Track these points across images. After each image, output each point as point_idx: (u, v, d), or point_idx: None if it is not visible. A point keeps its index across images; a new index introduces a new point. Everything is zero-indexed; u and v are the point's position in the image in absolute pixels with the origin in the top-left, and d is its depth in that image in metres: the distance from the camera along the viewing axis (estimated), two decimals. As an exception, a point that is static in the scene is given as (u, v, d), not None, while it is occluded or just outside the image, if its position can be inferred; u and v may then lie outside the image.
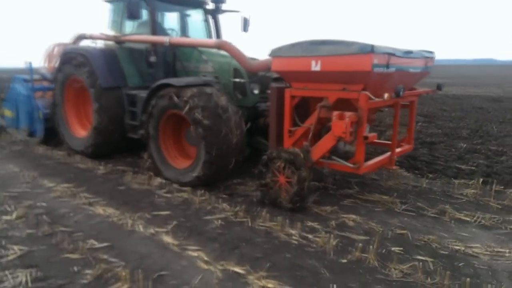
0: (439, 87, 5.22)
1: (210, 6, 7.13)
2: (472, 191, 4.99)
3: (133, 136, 6.22)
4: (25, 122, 7.78)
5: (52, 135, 7.48)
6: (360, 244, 3.46)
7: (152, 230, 3.92)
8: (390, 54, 3.96)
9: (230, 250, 3.53)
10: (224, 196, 4.89)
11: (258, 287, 2.92)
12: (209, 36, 7.29)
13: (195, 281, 3.01)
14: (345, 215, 4.23)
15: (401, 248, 3.48)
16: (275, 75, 5.52)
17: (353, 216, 4.20)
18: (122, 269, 3.09)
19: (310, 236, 3.74)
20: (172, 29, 6.96)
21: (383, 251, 3.44)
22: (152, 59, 6.11)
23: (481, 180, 5.28)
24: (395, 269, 3.14)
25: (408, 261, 3.26)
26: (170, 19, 7.17)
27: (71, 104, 7.09)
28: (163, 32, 6.69)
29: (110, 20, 6.86)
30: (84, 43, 7.53)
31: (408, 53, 4.30)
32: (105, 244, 3.60)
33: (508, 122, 10.41)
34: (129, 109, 6.25)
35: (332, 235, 3.68)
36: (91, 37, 7.27)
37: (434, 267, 3.16)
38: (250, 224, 4.06)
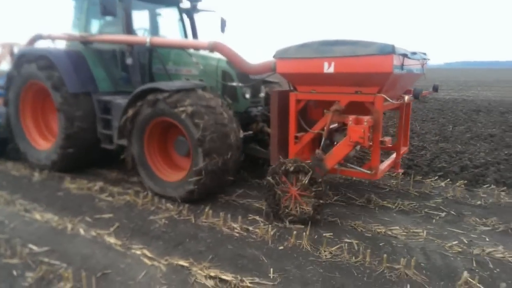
0: (435, 88, 5.28)
1: (186, 4, 6.68)
2: (395, 181, 5.59)
3: (107, 147, 5.67)
4: None
5: (2, 148, 6.81)
6: (295, 232, 3.79)
7: (94, 233, 3.93)
8: (404, 55, 3.83)
9: (174, 246, 3.67)
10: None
11: (201, 277, 3.11)
12: (185, 36, 6.89)
13: (139, 277, 3.12)
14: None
15: (331, 233, 3.87)
16: (267, 79, 5.42)
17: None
18: (64, 270, 3.10)
19: (251, 228, 4.00)
20: (145, 29, 6.44)
21: (315, 236, 3.80)
22: (129, 61, 5.58)
23: (402, 171, 5.91)
24: (325, 251, 3.50)
25: (337, 244, 3.64)
26: (138, 18, 6.51)
27: (28, 112, 6.34)
28: (133, 32, 6.10)
29: (74, 18, 6.29)
30: (40, 44, 6.78)
31: (413, 54, 4.22)
32: (46, 248, 3.56)
33: (429, 121, 11.57)
34: (102, 117, 5.65)
35: (270, 226, 3.96)
36: (51, 37, 6.50)
37: (358, 247, 3.56)
38: (194, 221, 4.22)
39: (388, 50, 3.53)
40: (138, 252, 3.53)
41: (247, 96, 5.33)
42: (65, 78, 5.55)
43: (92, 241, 3.77)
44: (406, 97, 4.26)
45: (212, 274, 3.13)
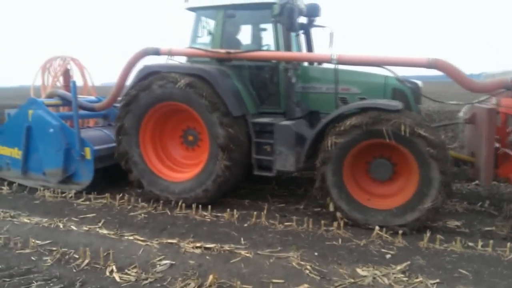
0: None
1: (303, 20, 6.16)
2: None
3: (263, 174, 5.22)
4: (52, 163, 5.88)
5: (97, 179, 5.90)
6: (255, 212, 4.86)
7: (85, 228, 4.61)
8: None
9: (159, 231, 4.51)
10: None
11: (189, 248, 4.03)
12: (300, 51, 6.27)
13: (139, 252, 3.94)
14: (241, 200, 5.62)
15: (282, 213, 5.03)
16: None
17: (247, 200, 5.61)
18: (76, 252, 3.81)
19: (219, 214, 4.99)
20: (267, 44, 5.86)
21: (271, 216, 4.89)
22: (293, 80, 5.17)
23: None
24: (279, 224, 4.63)
25: (287, 219, 4.79)
26: (246, 32, 6.16)
27: (148, 138, 5.54)
28: (239, 46, 5.81)
29: (194, 33, 5.82)
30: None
31: None
32: (48, 241, 4.18)
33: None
34: (258, 141, 5.16)
35: (235, 211, 4.97)
36: (171, 53, 5.59)
37: (303, 219, 4.74)
38: (170, 213, 5.09)
39: None
40: (131, 237, 4.32)
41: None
42: (227, 100, 5.00)
43: (87, 233, 4.45)
44: None
45: (198, 245, 4.07)
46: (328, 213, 4.83)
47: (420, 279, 3.36)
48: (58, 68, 7.82)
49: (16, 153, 6.21)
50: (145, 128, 5.46)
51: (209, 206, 5.12)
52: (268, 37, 5.81)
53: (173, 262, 3.69)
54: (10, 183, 6.31)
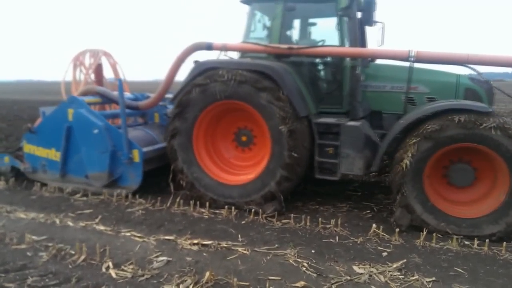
0: None
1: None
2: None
3: (326, 178, 4.93)
4: (96, 167, 5.55)
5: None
6: (253, 210, 4.86)
7: (82, 224, 4.59)
8: None
9: (156, 228, 4.51)
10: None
11: (187, 244, 4.02)
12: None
13: (136, 249, 3.93)
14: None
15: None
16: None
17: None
18: (72, 248, 3.80)
19: (217, 211, 4.98)
20: (322, 40, 5.51)
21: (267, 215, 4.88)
22: (362, 77, 4.95)
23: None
24: (276, 221, 4.64)
25: (284, 217, 4.78)
26: (305, 26, 5.84)
27: (201, 140, 5.28)
28: (297, 42, 5.58)
29: (248, 28, 5.56)
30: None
31: None
32: (44, 237, 4.17)
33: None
34: (322, 143, 4.87)
35: (233, 208, 4.97)
36: (225, 48, 5.32)
37: (301, 217, 4.74)
38: (167, 210, 5.08)
39: None
40: (128, 234, 4.32)
41: None
42: (293, 98, 4.72)
43: (84, 229, 4.44)
44: None
45: (195, 241, 4.06)
46: (326, 210, 4.85)
47: (416, 277, 3.37)
48: (91, 63, 7.15)
49: (53, 154, 5.84)
50: (199, 129, 5.18)
51: (207, 203, 5.11)
52: (327, 32, 5.42)
53: (170, 259, 3.69)
54: (6, 178, 6.29)
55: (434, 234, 4.13)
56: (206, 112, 5.08)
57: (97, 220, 4.68)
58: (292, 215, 4.76)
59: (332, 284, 3.26)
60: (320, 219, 4.57)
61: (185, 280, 3.27)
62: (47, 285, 3.22)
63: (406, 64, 4.86)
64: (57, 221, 4.63)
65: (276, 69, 4.78)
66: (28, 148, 6.02)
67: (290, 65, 5.17)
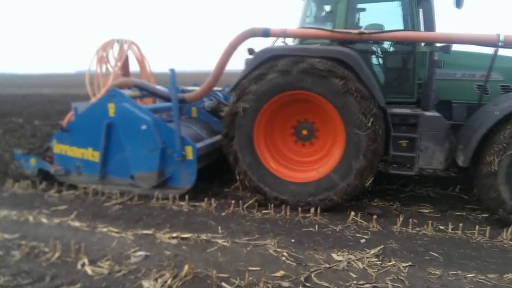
0: None
1: None
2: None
3: (401, 173, 4.65)
4: (144, 166, 5.04)
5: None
6: (233, 201, 4.84)
7: (57, 220, 4.46)
8: None
9: (134, 222, 4.43)
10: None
11: (165, 238, 3.96)
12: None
13: (113, 244, 3.85)
14: (219, 188, 5.59)
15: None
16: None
17: (226, 189, 5.58)
18: (45, 246, 3.69)
19: (196, 204, 4.93)
20: (381, 24, 5.15)
21: (248, 205, 4.87)
22: (441, 64, 4.63)
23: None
24: (257, 212, 4.63)
25: (265, 208, 4.78)
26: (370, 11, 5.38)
27: (261, 133, 4.89)
28: (361, 27, 5.06)
29: (304, 13, 5.32)
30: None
31: None
32: (17, 235, 4.03)
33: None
34: (398, 135, 4.56)
35: (213, 200, 4.93)
36: (287, 34, 4.91)
37: (281, 206, 4.74)
38: (145, 204, 4.99)
39: None
40: (105, 229, 4.22)
41: None
42: (371, 87, 4.40)
43: (58, 226, 4.32)
44: None
45: (174, 235, 4.01)
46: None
47: (393, 262, 3.43)
48: (120, 53, 6.42)
49: (90, 154, 5.30)
50: (259, 123, 4.79)
51: (186, 196, 5.04)
52: (393, 16, 5.10)
53: (148, 253, 3.63)
54: (304, 209, 4.80)
55: (410, 220, 4.23)
56: (268, 105, 4.71)
57: (72, 216, 4.56)
58: (272, 205, 4.77)
59: (311, 272, 3.29)
60: (299, 208, 4.59)
61: (164, 274, 3.22)
62: (20, 284, 3.12)
63: (477, 49, 4.60)
64: (31, 218, 4.49)
65: (352, 56, 4.46)
66: (59, 148, 5.46)
67: (361, 53, 4.80)
